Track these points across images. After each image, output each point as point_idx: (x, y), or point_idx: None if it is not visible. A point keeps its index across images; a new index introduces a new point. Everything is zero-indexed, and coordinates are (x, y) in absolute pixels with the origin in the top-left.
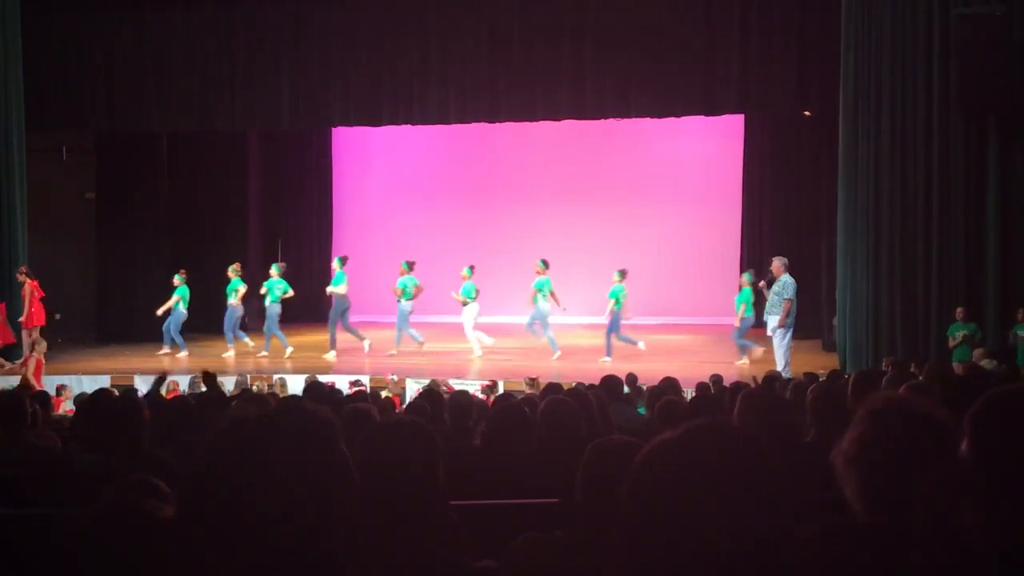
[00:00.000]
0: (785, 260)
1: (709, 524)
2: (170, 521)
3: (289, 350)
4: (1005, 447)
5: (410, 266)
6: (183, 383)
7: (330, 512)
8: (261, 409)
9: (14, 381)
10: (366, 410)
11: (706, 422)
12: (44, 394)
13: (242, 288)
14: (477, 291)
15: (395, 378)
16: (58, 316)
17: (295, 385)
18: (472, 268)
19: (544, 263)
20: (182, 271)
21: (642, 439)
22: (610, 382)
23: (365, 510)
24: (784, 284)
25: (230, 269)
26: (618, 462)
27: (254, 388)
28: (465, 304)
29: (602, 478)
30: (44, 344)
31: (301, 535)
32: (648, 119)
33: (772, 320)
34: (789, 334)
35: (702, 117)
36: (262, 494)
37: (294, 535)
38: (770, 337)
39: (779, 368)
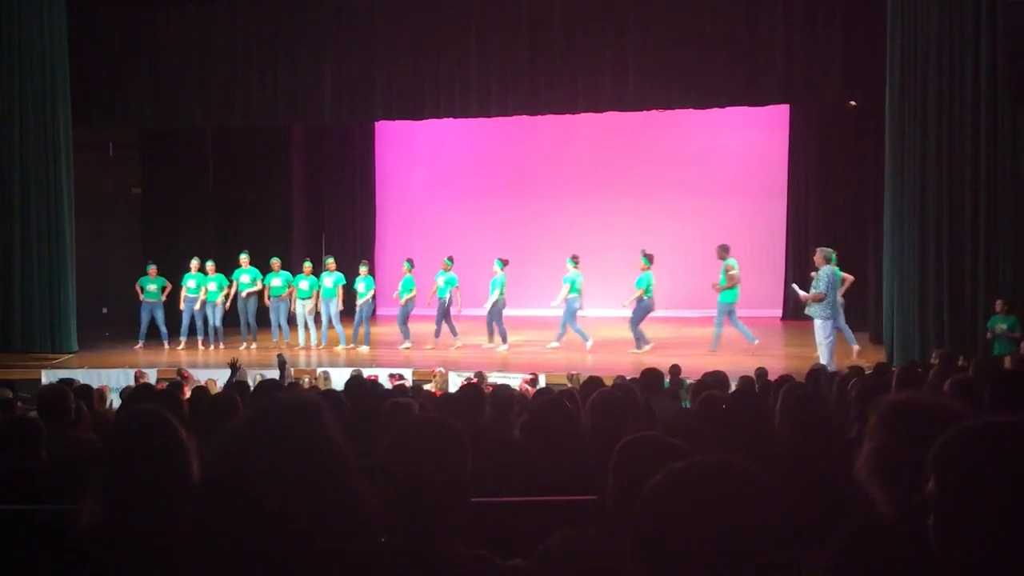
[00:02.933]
0: (826, 251)
1: (712, 556)
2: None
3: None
4: (970, 487)
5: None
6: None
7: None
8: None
9: (59, 375)
10: (406, 404)
11: (710, 459)
12: (87, 388)
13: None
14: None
15: (442, 370)
16: (105, 310)
17: (339, 378)
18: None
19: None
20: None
21: (681, 434)
22: (651, 375)
23: (391, 508)
24: (819, 277)
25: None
26: (647, 460)
27: (305, 381)
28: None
29: (631, 476)
30: None
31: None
32: (691, 110)
33: (811, 313)
34: (829, 326)
35: (746, 108)
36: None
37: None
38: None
39: (823, 362)
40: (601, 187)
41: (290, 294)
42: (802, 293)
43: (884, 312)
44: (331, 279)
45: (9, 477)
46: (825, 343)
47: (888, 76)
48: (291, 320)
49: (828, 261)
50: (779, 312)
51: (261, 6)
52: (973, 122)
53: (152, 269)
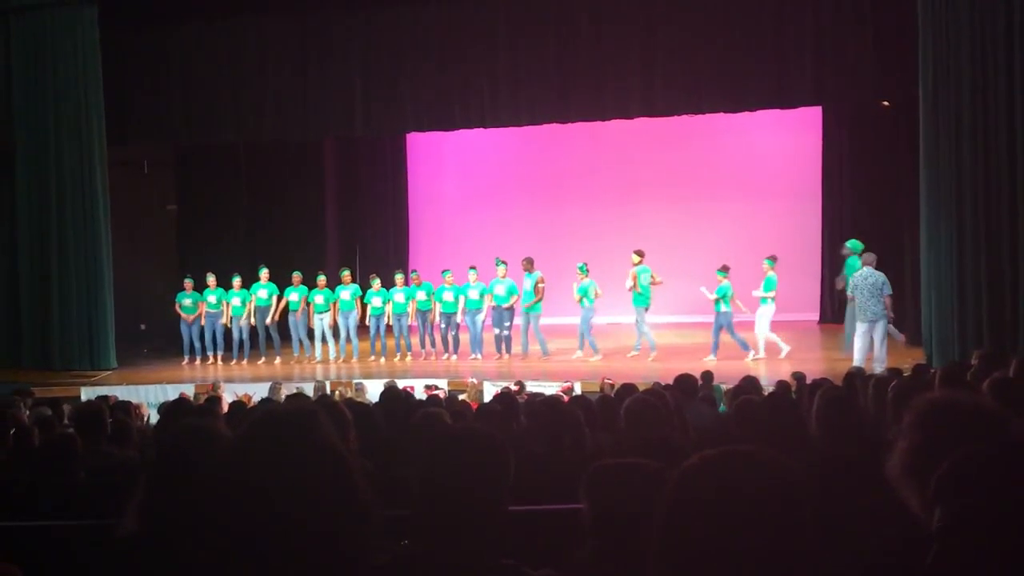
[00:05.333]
0: (866, 254)
1: (737, 550)
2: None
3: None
4: (976, 514)
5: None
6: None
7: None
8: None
9: (99, 392)
10: (437, 415)
11: (730, 450)
12: (127, 404)
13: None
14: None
15: (474, 381)
16: (143, 327)
17: (374, 389)
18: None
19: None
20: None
21: (716, 438)
22: (685, 381)
23: (425, 518)
24: None
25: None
26: (622, 485)
27: (336, 394)
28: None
29: (609, 501)
30: None
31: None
32: (722, 114)
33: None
34: (862, 329)
35: (778, 110)
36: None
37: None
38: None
39: (855, 363)
40: (633, 193)
41: (305, 308)
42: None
43: (922, 313)
44: (348, 292)
45: (47, 493)
46: (856, 344)
47: (921, 74)
48: (311, 334)
49: (867, 263)
50: (816, 315)
51: (291, 21)
52: (1008, 118)
53: (188, 283)
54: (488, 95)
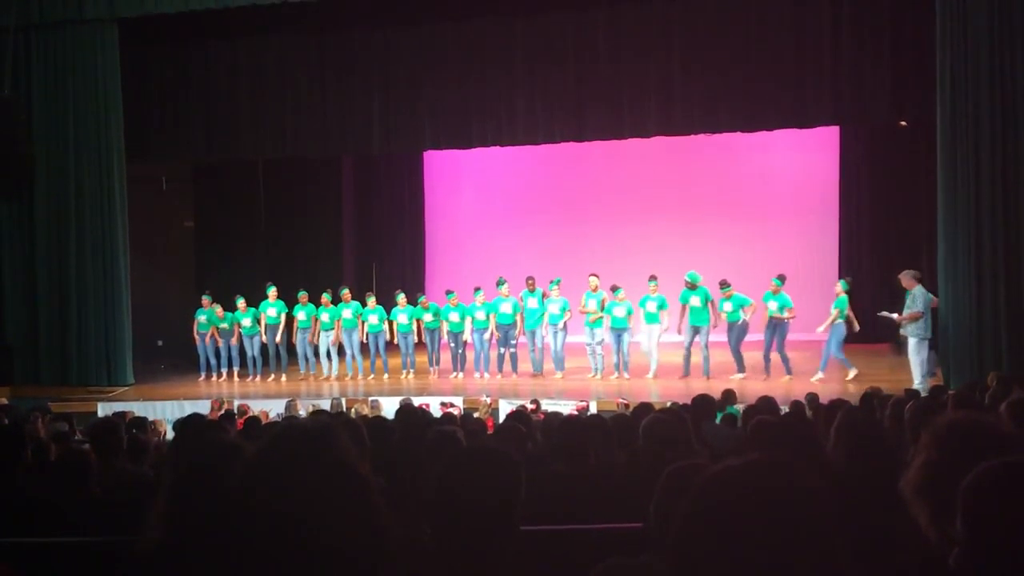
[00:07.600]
0: (916, 272)
1: (757, 559)
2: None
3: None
4: (999, 525)
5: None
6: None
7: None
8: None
9: (116, 408)
10: (451, 433)
11: (748, 459)
12: (143, 420)
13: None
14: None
15: (487, 399)
16: (160, 343)
17: (389, 407)
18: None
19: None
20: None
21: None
22: (702, 401)
23: (440, 534)
24: (914, 296)
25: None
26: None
27: (352, 411)
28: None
29: (675, 504)
30: None
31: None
32: (740, 133)
33: (908, 333)
34: (925, 345)
35: (796, 130)
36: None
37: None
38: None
39: (916, 382)
40: (649, 211)
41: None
42: (895, 315)
43: (939, 334)
44: (349, 310)
45: (61, 508)
46: (918, 363)
47: (939, 94)
48: (316, 351)
49: (918, 281)
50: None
51: (310, 39)
52: None
53: (205, 300)
54: (505, 113)
